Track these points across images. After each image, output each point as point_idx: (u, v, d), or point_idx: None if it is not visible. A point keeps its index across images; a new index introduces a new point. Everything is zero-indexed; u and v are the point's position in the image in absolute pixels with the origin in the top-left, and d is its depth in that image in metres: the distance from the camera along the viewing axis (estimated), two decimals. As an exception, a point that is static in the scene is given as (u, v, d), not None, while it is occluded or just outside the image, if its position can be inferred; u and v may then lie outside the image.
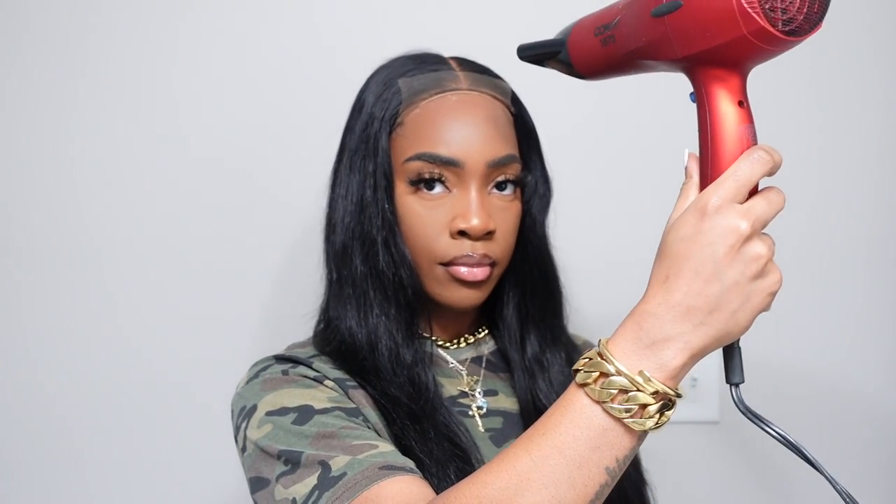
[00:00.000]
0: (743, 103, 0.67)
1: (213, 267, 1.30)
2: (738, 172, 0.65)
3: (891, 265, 1.38)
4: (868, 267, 1.38)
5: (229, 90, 1.30)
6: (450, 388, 0.93)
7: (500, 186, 0.90)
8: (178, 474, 1.31)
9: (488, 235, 0.88)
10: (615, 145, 1.34)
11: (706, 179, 0.67)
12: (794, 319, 1.36)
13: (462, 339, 0.97)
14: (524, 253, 0.95)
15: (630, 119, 1.33)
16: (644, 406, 0.64)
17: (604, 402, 0.65)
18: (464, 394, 0.93)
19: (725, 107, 0.67)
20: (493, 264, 0.90)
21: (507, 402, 0.95)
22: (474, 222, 0.86)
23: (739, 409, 0.67)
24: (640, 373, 0.64)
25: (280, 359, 0.89)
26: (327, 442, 0.76)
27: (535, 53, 0.82)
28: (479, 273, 0.88)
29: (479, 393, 0.94)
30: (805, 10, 0.62)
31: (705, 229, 0.64)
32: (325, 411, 0.80)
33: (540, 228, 0.97)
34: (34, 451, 1.29)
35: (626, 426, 0.65)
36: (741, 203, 0.65)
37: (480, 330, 0.99)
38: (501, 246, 0.90)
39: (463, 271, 0.88)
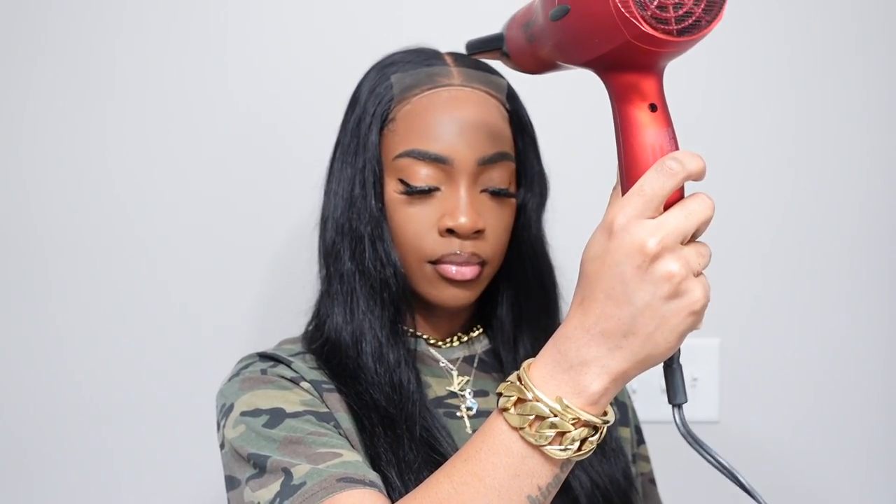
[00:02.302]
0: (656, 107, 0.62)
1: (210, 265, 1.30)
2: (645, 187, 0.60)
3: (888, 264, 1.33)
4: (862, 265, 1.33)
5: (233, 89, 1.29)
6: (437, 389, 0.91)
7: (494, 194, 0.88)
8: (169, 473, 1.31)
9: (477, 234, 0.87)
10: (613, 144, 1.31)
11: (623, 187, 0.63)
12: (792, 318, 1.33)
13: (455, 338, 0.96)
14: (518, 252, 0.94)
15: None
16: (563, 433, 0.62)
17: (521, 428, 0.62)
18: (452, 394, 0.92)
19: (636, 112, 0.62)
20: (482, 263, 0.88)
21: (498, 403, 0.94)
22: (462, 221, 0.85)
23: (680, 431, 0.64)
24: (559, 399, 0.61)
25: (263, 357, 0.89)
26: (293, 448, 0.76)
27: (481, 50, 0.77)
28: (468, 272, 0.87)
29: (470, 393, 0.93)
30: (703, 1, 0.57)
31: (612, 249, 0.60)
32: (295, 415, 0.80)
33: (535, 227, 0.95)
34: (24, 449, 1.29)
35: (544, 454, 0.62)
36: (652, 217, 0.60)
37: (475, 329, 0.97)
38: (492, 245, 0.89)
39: (451, 270, 0.87)
